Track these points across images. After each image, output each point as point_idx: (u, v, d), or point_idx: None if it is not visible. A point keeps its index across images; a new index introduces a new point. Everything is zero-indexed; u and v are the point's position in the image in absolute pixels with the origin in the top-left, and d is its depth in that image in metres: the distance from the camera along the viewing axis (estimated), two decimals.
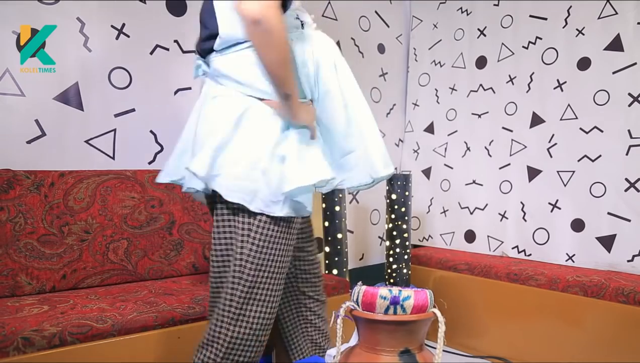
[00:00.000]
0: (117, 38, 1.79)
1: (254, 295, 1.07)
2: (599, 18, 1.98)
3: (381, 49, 2.71)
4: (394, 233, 2.26)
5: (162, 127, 1.91)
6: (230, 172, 1.05)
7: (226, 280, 1.10)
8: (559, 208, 2.10)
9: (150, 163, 1.88)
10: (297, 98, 1.08)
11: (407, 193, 2.26)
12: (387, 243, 2.31)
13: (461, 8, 2.54)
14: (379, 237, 2.71)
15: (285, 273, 1.15)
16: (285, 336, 1.33)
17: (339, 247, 2.12)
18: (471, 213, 2.45)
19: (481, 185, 2.41)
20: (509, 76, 2.31)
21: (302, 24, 1.15)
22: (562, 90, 2.10)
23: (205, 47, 1.13)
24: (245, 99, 1.08)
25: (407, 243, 2.27)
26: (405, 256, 2.27)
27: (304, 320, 1.32)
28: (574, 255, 2.04)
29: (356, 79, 1.36)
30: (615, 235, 1.92)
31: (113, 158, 1.79)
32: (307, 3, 2.53)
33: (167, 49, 1.91)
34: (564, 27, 2.10)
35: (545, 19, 2.17)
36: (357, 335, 1.08)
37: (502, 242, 2.31)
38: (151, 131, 1.89)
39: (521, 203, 2.24)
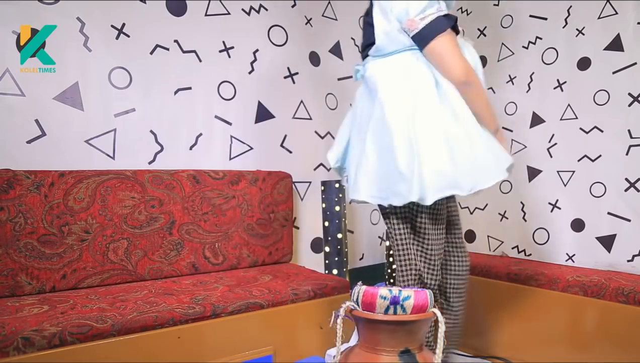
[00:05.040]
0: (117, 38, 1.79)
1: None
2: (599, 18, 1.98)
3: None
4: None
5: (162, 127, 1.91)
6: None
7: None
8: (559, 208, 2.10)
9: (150, 162, 1.88)
10: (501, 131, 1.42)
11: None
12: (387, 243, 2.30)
13: (461, 8, 2.54)
14: (379, 237, 2.71)
15: None
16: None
17: (339, 247, 2.12)
18: (471, 213, 2.45)
19: None
20: (509, 76, 2.31)
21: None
22: (562, 90, 2.10)
23: (364, 54, 1.37)
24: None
25: None
26: None
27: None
28: (574, 254, 2.04)
29: None
30: (615, 235, 1.92)
31: (113, 157, 1.79)
32: (307, 3, 2.53)
33: (167, 49, 1.91)
34: (564, 27, 2.10)
35: (545, 19, 2.17)
36: (357, 335, 1.08)
37: (502, 242, 2.31)
38: (151, 131, 1.89)
39: (521, 203, 2.24)
